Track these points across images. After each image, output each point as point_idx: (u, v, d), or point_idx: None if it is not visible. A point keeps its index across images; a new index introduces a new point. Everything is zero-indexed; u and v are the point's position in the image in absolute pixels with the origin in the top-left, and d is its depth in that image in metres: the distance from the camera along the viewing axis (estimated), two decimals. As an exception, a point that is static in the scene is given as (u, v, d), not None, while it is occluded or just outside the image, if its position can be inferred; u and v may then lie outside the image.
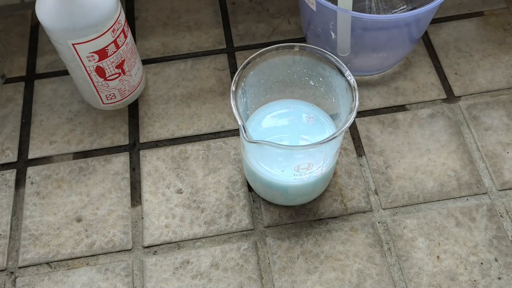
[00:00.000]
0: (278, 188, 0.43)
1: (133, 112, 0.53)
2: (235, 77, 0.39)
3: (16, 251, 0.46)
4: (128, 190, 0.48)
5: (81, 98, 0.54)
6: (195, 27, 0.59)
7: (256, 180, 0.45)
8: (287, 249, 0.45)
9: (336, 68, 0.40)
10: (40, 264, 0.45)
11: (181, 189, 0.48)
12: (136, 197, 0.48)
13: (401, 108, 0.53)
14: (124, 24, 0.47)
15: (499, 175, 0.48)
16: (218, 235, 0.46)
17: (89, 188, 0.48)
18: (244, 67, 0.40)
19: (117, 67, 0.48)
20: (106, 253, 0.45)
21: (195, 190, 0.48)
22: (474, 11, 0.59)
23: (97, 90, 0.49)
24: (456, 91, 0.53)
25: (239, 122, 0.37)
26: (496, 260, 0.44)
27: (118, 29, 0.45)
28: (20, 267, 0.45)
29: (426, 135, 0.51)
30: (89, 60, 0.46)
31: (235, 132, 0.51)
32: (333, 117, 0.45)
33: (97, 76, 0.48)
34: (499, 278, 0.43)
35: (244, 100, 0.41)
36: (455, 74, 0.55)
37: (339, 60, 0.40)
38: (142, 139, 0.51)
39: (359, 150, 0.50)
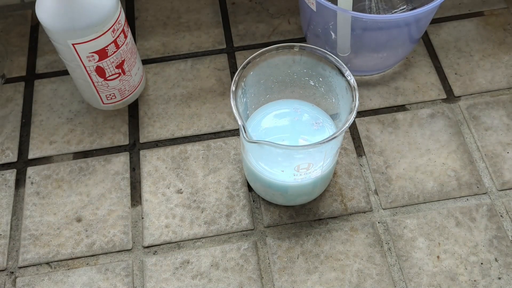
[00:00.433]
0: (278, 188, 0.43)
1: (133, 112, 0.53)
2: (235, 77, 0.39)
3: (16, 251, 0.46)
4: (128, 190, 0.48)
5: (81, 98, 0.54)
6: (195, 27, 0.59)
7: (256, 180, 0.45)
8: (287, 249, 0.45)
9: (336, 68, 0.40)
10: (40, 264, 0.45)
11: (181, 189, 0.48)
12: (136, 197, 0.48)
13: (401, 108, 0.53)
14: (124, 24, 0.47)
15: (499, 175, 0.48)
16: (218, 235, 0.46)
17: (89, 188, 0.48)
18: (244, 67, 0.40)
19: (117, 67, 0.48)
20: (106, 253, 0.45)
21: (195, 190, 0.48)
22: (474, 11, 0.59)
23: (97, 90, 0.49)
24: (456, 91, 0.53)
25: (239, 122, 0.37)
26: (496, 260, 0.44)
27: (118, 29, 0.45)
28: (20, 267, 0.45)
29: (426, 135, 0.51)
30: (89, 60, 0.46)
31: (235, 132, 0.51)
32: (333, 117, 0.45)
33: (97, 76, 0.48)
34: (499, 278, 0.43)
35: (244, 100, 0.41)
36: (455, 74, 0.55)
37: (339, 60, 0.40)
38: (142, 139, 0.51)
39: (359, 150, 0.50)
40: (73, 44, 0.44)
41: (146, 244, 0.46)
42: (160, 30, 0.59)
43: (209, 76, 0.55)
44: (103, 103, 0.52)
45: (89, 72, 0.47)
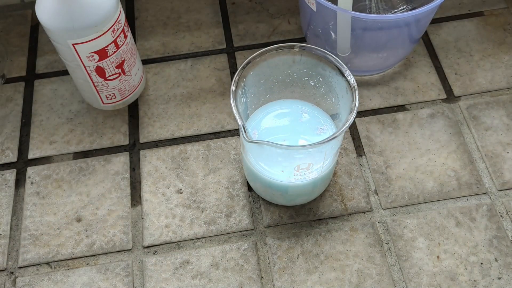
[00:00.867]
0: (278, 188, 0.43)
1: (133, 112, 0.53)
2: (235, 77, 0.39)
3: (16, 251, 0.46)
4: (128, 190, 0.48)
5: (81, 98, 0.54)
6: (195, 27, 0.59)
7: (256, 180, 0.45)
8: (287, 249, 0.45)
9: (336, 68, 0.40)
10: (40, 264, 0.45)
11: (181, 189, 0.48)
12: (136, 197, 0.48)
13: (401, 108, 0.53)
14: (124, 24, 0.47)
15: (499, 175, 0.48)
16: (218, 235, 0.46)
17: (89, 188, 0.48)
18: (244, 67, 0.40)
19: (117, 67, 0.48)
20: (106, 253, 0.45)
21: (195, 190, 0.48)
22: (474, 11, 0.59)
23: (97, 90, 0.49)
24: (456, 91, 0.53)
25: (239, 122, 0.37)
26: (496, 260, 0.44)
27: (118, 29, 0.45)
28: (20, 267, 0.45)
29: (426, 135, 0.51)
30: (89, 60, 0.46)
31: (235, 132, 0.51)
32: (333, 117, 0.45)
33: (97, 76, 0.48)
34: (499, 278, 0.43)
35: (244, 100, 0.41)
36: (455, 74, 0.55)
37: (339, 60, 0.40)
38: (142, 139, 0.51)
39: (359, 150, 0.50)
40: (73, 44, 0.44)
41: (146, 244, 0.46)
42: (160, 30, 0.59)
43: (209, 76, 0.55)
44: (103, 103, 0.52)
45: (89, 72, 0.47)
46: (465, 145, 0.50)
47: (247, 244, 0.45)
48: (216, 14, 0.60)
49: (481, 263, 0.44)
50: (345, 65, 0.40)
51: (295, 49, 0.41)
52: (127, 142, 0.51)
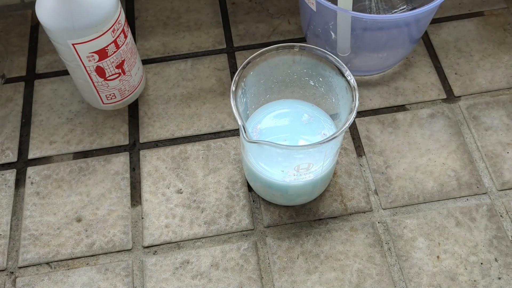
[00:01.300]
0: (278, 188, 0.43)
1: (133, 112, 0.53)
2: (235, 77, 0.39)
3: (16, 251, 0.46)
4: (128, 190, 0.48)
5: (81, 98, 0.54)
6: (195, 27, 0.59)
7: (256, 180, 0.45)
8: (287, 249, 0.45)
9: (336, 68, 0.40)
10: (40, 264, 0.45)
11: (181, 189, 0.48)
12: (136, 197, 0.48)
13: (401, 108, 0.53)
14: (124, 24, 0.47)
15: (499, 175, 0.48)
16: (218, 235, 0.46)
17: (89, 188, 0.48)
18: (244, 67, 0.40)
19: (117, 67, 0.48)
20: (106, 253, 0.45)
21: (195, 190, 0.48)
22: (474, 11, 0.59)
23: (97, 90, 0.49)
24: (456, 91, 0.53)
25: (239, 122, 0.37)
26: (496, 260, 0.44)
27: (118, 29, 0.45)
28: (20, 267, 0.45)
29: (426, 135, 0.51)
30: (89, 60, 0.46)
31: (235, 132, 0.51)
32: (333, 117, 0.45)
33: (97, 76, 0.48)
34: (499, 278, 0.43)
35: (244, 100, 0.41)
36: (455, 74, 0.55)
37: (339, 60, 0.40)
38: (142, 139, 0.51)
39: (359, 150, 0.50)
40: (73, 44, 0.44)
41: (146, 244, 0.46)
42: (160, 30, 0.59)
43: (209, 76, 0.55)
44: (103, 103, 0.52)
45: (89, 72, 0.47)
46: (465, 145, 0.50)
47: (247, 244, 0.45)
48: (216, 14, 0.60)
49: (481, 263, 0.44)
50: (345, 65, 0.40)
51: (295, 49, 0.41)
52: (127, 142, 0.51)
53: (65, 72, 0.56)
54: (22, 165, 0.50)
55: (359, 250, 0.45)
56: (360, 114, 0.52)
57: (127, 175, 0.49)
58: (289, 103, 0.46)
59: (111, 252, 0.45)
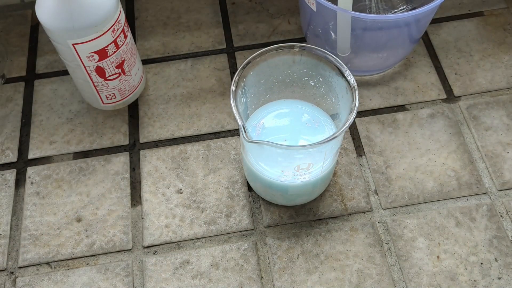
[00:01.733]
0: (278, 188, 0.43)
1: (133, 112, 0.53)
2: (235, 77, 0.39)
3: (16, 251, 0.46)
4: (128, 190, 0.48)
5: (81, 98, 0.54)
6: (195, 27, 0.59)
7: (256, 180, 0.45)
8: (287, 249, 0.45)
9: (336, 68, 0.40)
10: (40, 264, 0.45)
11: (181, 189, 0.48)
12: (136, 197, 0.48)
13: (401, 108, 0.53)
14: (124, 24, 0.47)
15: (499, 175, 0.48)
16: (218, 235, 0.46)
17: (89, 188, 0.48)
18: (244, 67, 0.40)
19: (117, 67, 0.48)
20: (106, 253, 0.45)
21: (195, 190, 0.48)
22: (474, 11, 0.59)
23: (97, 90, 0.49)
24: (456, 91, 0.53)
25: (239, 122, 0.37)
26: (496, 260, 0.44)
27: (118, 29, 0.45)
28: (20, 267, 0.45)
29: (426, 135, 0.51)
30: (89, 60, 0.46)
31: (235, 132, 0.51)
32: (333, 117, 0.45)
33: (97, 76, 0.48)
34: (499, 278, 0.43)
35: (244, 100, 0.41)
36: (455, 74, 0.55)
37: (339, 60, 0.40)
38: (142, 139, 0.51)
39: (359, 150, 0.50)
40: (73, 44, 0.44)
41: (146, 244, 0.46)
42: (160, 30, 0.59)
43: (209, 76, 0.55)
44: (103, 103, 0.52)
45: (89, 72, 0.47)
46: (465, 145, 0.50)
47: (247, 244, 0.45)
48: (216, 14, 0.60)
49: (481, 263, 0.44)
50: (345, 65, 0.40)
51: (295, 49, 0.41)
52: (127, 142, 0.51)
53: (65, 72, 0.56)
54: (22, 165, 0.50)
55: (359, 250, 0.45)
56: (360, 114, 0.52)
57: (127, 175, 0.49)
58: (289, 103, 0.46)
59: (111, 252, 0.45)
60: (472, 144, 0.50)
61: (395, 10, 0.55)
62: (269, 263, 0.44)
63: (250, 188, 0.48)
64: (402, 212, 0.47)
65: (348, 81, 0.39)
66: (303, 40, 0.58)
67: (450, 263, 0.44)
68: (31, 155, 0.51)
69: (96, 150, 0.51)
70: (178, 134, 0.52)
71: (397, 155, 0.50)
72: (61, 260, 0.45)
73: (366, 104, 0.53)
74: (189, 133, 0.52)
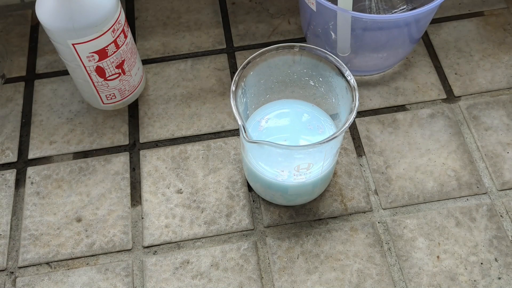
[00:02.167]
0: (278, 188, 0.43)
1: (133, 112, 0.53)
2: (235, 77, 0.39)
3: (16, 251, 0.46)
4: (128, 190, 0.48)
5: (81, 98, 0.54)
6: (195, 27, 0.59)
7: (256, 180, 0.45)
8: (287, 249, 0.45)
9: (336, 68, 0.40)
10: (40, 264, 0.45)
11: (181, 189, 0.48)
12: (136, 197, 0.48)
13: (401, 108, 0.53)
14: (124, 24, 0.47)
15: (499, 175, 0.48)
16: (218, 235, 0.46)
17: (89, 188, 0.48)
18: (244, 67, 0.40)
19: (117, 67, 0.48)
20: (106, 253, 0.45)
21: (195, 190, 0.48)
22: (474, 11, 0.59)
23: (97, 90, 0.49)
24: (456, 91, 0.53)
25: (239, 122, 0.37)
26: (496, 260, 0.44)
27: (118, 29, 0.45)
28: (20, 267, 0.45)
29: (426, 135, 0.51)
30: (89, 60, 0.46)
31: (235, 132, 0.51)
32: (333, 117, 0.45)
33: (97, 76, 0.48)
34: (499, 278, 0.43)
35: (244, 100, 0.41)
36: (455, 74, 0.55)
37: (339, 60, 0.40)
38: (142, 139, 0.51)
39: (359, 150, 0.50)
40: (73, 44, 0.44)
41: (146, 244, 0.46)
42: (160, 30, 0.59)
43: (209, 76, 0.55)
44: (103, 103, 0.52)
45: (89, 72, 0.47)
46: (465, 145, 0.50)
47: (247, 244, 0.45)
48: (216, 14, 0.60)
49: (481, 263, 0.44)
50: (345, 65, 0.40)
51: (295, 49, 0.41)
52: (127, 142, 0.51)
53: (65, 72, 0.56)
54: (22, 165, 0.50)
55: (359, 250, 0.45)
56: (360, 114, 0.52)
57: (127, 175, 0.49)
58: (289, 103, 0.46)
59: (111, 252, 0.45)
60: (472, 144, 0.50)
61: (395, 10, 0.55)
62: (269, 263, 0.44)
63: (250, 188, 0.48)
64: (402, 212, 0.47)
65: (348, 81, 0.39)
66: (303, 40, 0.58)
67: (450, 263, 0.44)
68: (31, 155, 0.51)
69: (96, 150, 0.51)
70: (178, 134, 0.52)
71: (397, 155, 0.50)
72: (61, 260, 0.45)
73: (366, 104, 0.53)
74: (189, 133, 0.52)
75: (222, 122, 0.52)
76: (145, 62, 0.56)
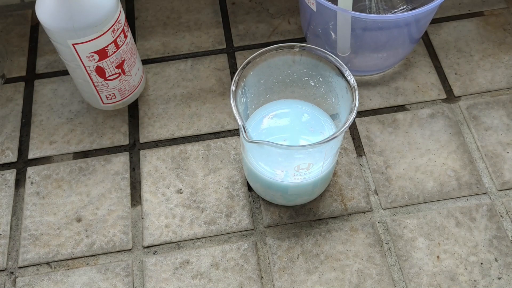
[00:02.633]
0: (278, 188, 0.43)
1: (133, 112, 0.53)
2: (235, 77, 0.39)
3: (16, 251, 0.46)
4: (128, 190, 0.48)
5: (81, 98, 0.54)
6: (195, 27, 0.59)
7: (256, 180, 0.45)
8: (287, 249, 0.45)
9: (336, 68, 0.40)
10: (40, 264, 0.45)
11: (181, 189, 0.48)
12: (136, 197, 0.48)
13: (401, 108, 0.53)
14: (124, 24, 0.47)
15: (499, 175, 0.48)
16: (218, 235, 0.46)
17: (89, 188, 0.48)
18: (244, 67, 0.40)
19: (117, 67, 0.48)
20: (106, 253, 0.45)
21: (195, 190, 0.48)
22: (474, 11, 0.59)
23: (97, 90, 0.49)
24: (456, 91, 0.53)
25: (239, 122, 0.37)
26: (496, 260, 0.44)
27: (118, 29, 0.45)
28: (20, 267, 0.45)
29: (426, 135, 0.51)
30: (89, 60, 0.46)
31: (235, 132, 0.51)
32: (333, 117, 0.45)
33: (97, 76, 0.48)
34: (499, 278, 0.43)
35: (244, 100, 0.41)
36: (455, 74, 0.55)
37: (339, 60, 0.40)
38: (142, 139, 0.51)
39: (359, 150, 0.50)
40: (73, 44, 0.44)
41: (146, 244, 0.46)
42: (160, 30, 0.59)
43: (209, 76, 0.55)
44: (103, 103, 0.52)
45: (89, 72, 0.47)
46: (465, 145, 0.50)
47: (247, 244, 0.45)
48: (216, 14, 0.60)
49: (481, 263, 0.44)
50: (345, 65, 0.40)
51: (295, 49, 0.41)
52: (127, 142, 0.51)
53: (65, 72, 0.56)
54: (22, 165, 0.50)
55: (359, 250, 0.45)
56: (360, 114, 0.52)
57: (127, 175, 0.49)
58: (289, 103, 0.46)
59: (111, 252, 0.45)
60: (472, 144, 0.50)
61: (395, 10, 0.55)
62: (269, 263, 0.44)
63: (250, 188, 0.48)
64: (402, 212, 0.47)
65: (348, 81, 0.39)
66: (303, 40, 0.58)
67: (450, 263, 0.44)
68: (31, 155, 0.51)
69: (96, 150, 0.51)
70: (178, 134, 0.52)
71: (397, 155, 0.50)
72: (61, 260, 0.45)
73: (366, 104, 0.53)
74: (189, 133, 0.52)
75: (222, 122, 0.52)
76: (145, 62, 0.56)
